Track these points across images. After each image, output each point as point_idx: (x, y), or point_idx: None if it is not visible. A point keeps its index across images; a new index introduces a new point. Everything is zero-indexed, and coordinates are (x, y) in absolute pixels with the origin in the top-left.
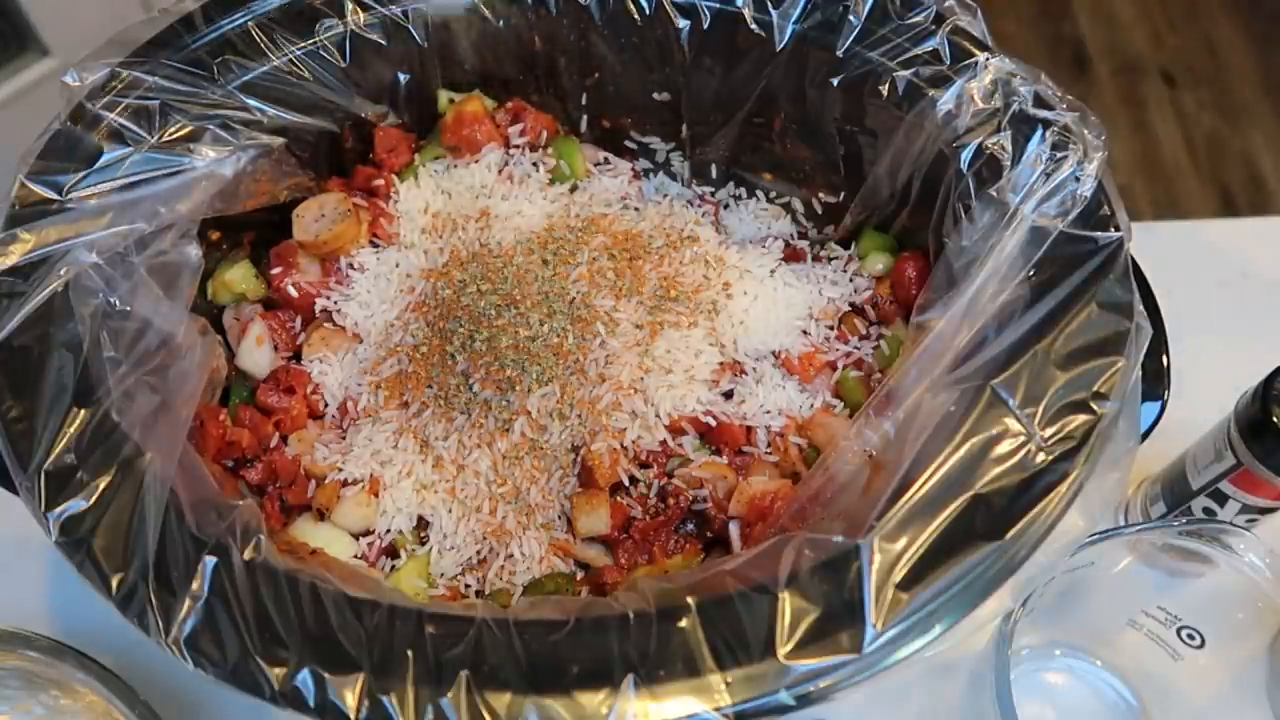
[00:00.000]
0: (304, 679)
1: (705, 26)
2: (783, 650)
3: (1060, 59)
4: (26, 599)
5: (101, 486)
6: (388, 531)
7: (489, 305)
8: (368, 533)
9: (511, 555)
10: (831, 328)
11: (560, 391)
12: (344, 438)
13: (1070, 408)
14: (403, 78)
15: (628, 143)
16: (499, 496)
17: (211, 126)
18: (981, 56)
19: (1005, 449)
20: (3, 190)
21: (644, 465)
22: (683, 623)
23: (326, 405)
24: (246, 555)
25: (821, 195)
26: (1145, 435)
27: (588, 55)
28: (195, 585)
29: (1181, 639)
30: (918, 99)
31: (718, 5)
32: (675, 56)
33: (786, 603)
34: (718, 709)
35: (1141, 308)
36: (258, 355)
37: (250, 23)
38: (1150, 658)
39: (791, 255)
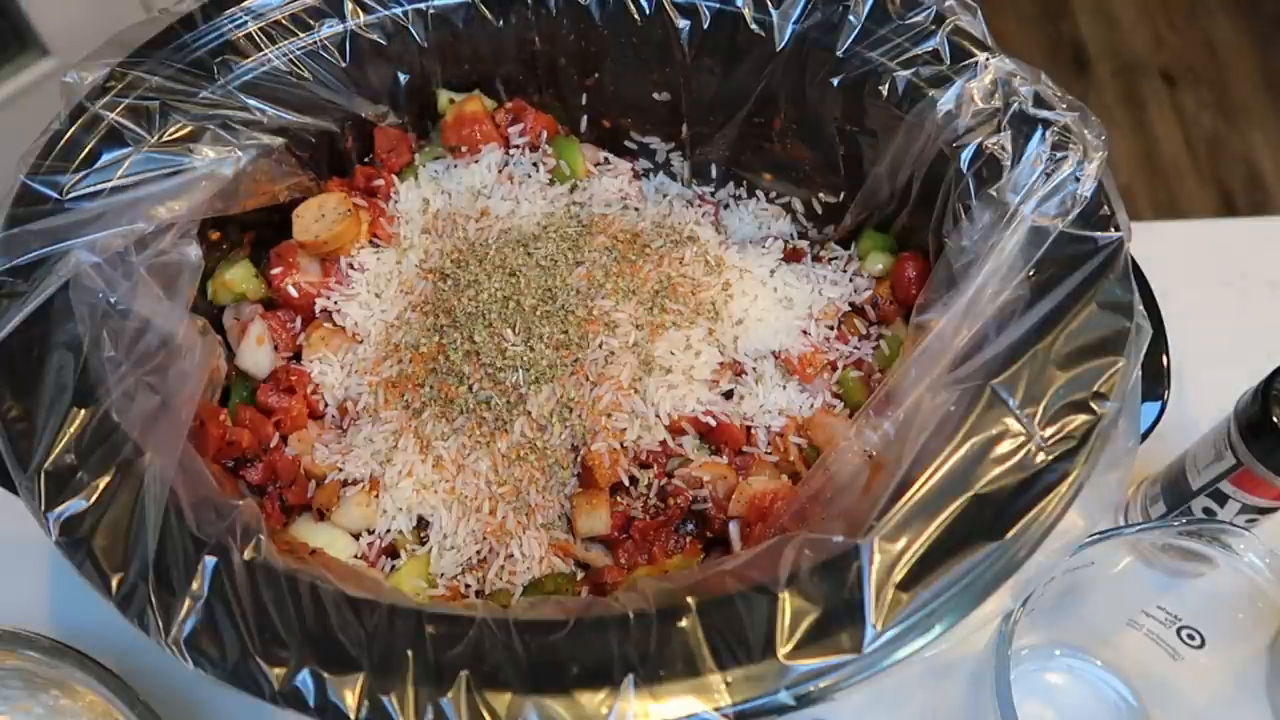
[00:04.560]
0: (304, 679)
1: (705, 26)
2: (783, 650)
3: (1060, 59)
4: (26, 599)
5: (101, 486)
6: (388, 531)
7: (489, 305)
8: (368, 532)
9: (511, 555)
10: (831, 328)
11: (560, 391)
12: (344, 438)
13: (1070, 408)
14: (403, 78)
15: (628, 143)
16: (499, 496)
17: (211, 126)
18: (981, 56)
19: (1005, 449)
20: (3, 190)
21: (644, 465)
22: (683, 623)
23: (326, 405)
24: (246, 555)
25: (821, 195)
26: (1145, 435)
27: (588, 55)
28: (195, 585)
29: (1181, 639)
30: (918, 99)
31: (718, 5)
32: (675, 56)
33: (786, 603)
34: (718, 709)
35: (1141, 308)
36: (258, 355)
37: (250, 23)
38: (1150, 658)
39: (791, 255)
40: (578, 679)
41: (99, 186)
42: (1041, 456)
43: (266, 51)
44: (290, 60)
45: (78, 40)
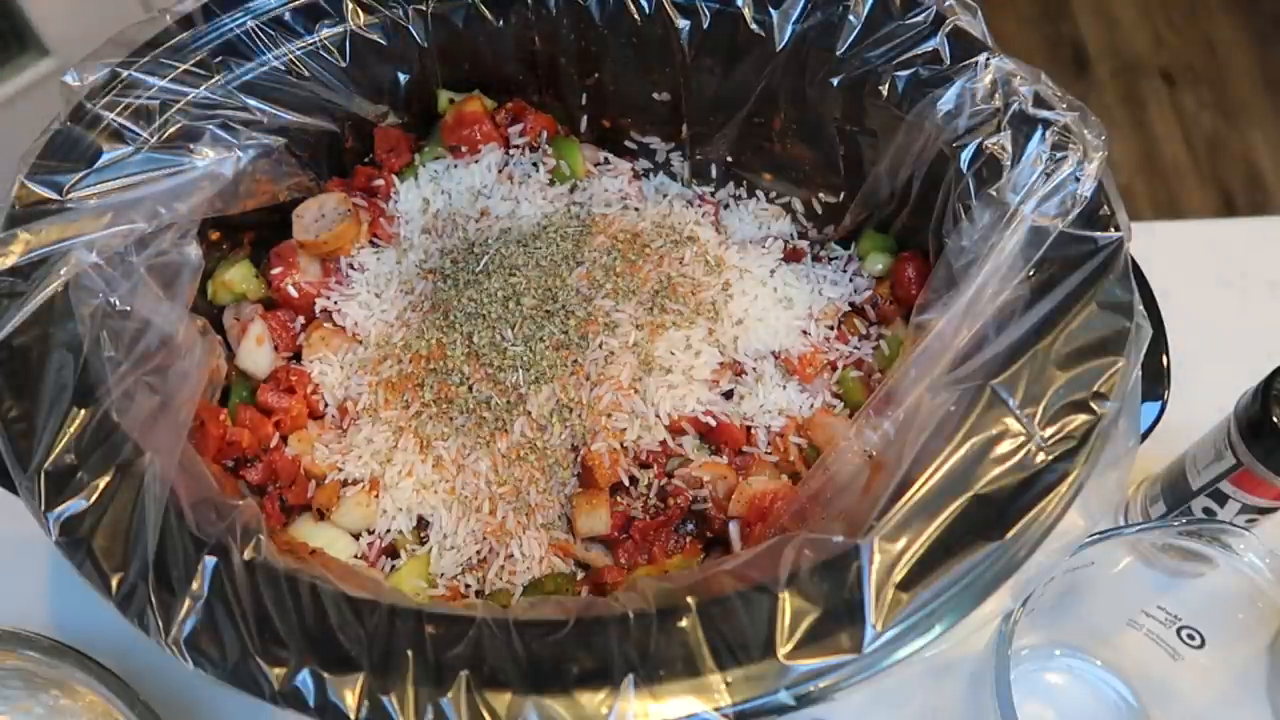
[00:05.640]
0: (304, 679)
1: (705, 26)
2: (783, 650)
3: (1060, 59)
4: (26, 599)
5: (101, 486)
6: (388, 531)
7: (489, 305)
8: (368, 532)
9: (511, 555)
10: (831, 328)
11: (560, 391)
12: (344, 438)
13: (1070, 408)
14: (403, 78)
15: (628, 143)
16: (499, 496)
17: (211, 126)
18: (981, 56)
19: (1005, 449)
20: (3, 190)
21: (644, 465)
22: (683, 623)
23: (326, 405)
24: (246, 555)
25: (821, 195)
26: (1145, 435)
27: (588, 55)
28: (195, 585)
29: (1181, 639)
30: (918, 99)
31: (718, 5)
32: (675, 56)
33: (786, 603)
34: (718, 709)
35: (1141, 308)
36: (258, 355)
37: (250, 23)
38: (1150, 658)
39: (791, 255)
40: (578, 679)
41: (99, 186)
42: (1041, 456)
43: (266, 52)
44: (290, 60)
45: (78, 40)
